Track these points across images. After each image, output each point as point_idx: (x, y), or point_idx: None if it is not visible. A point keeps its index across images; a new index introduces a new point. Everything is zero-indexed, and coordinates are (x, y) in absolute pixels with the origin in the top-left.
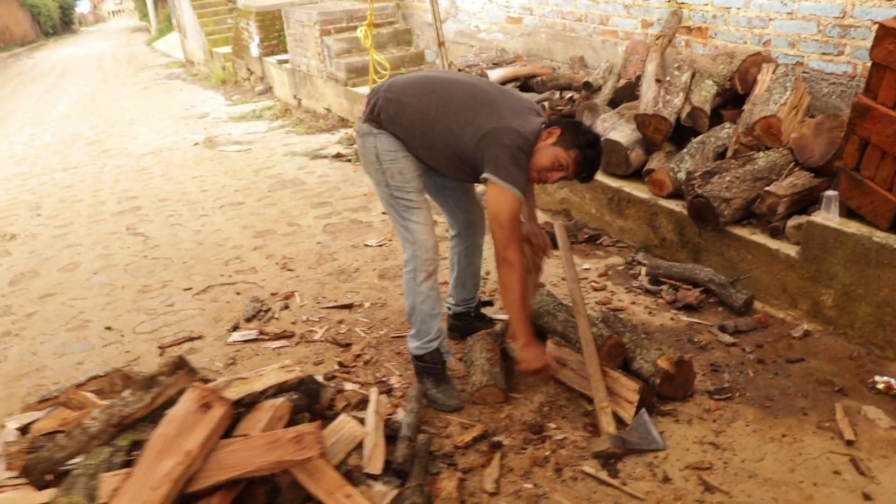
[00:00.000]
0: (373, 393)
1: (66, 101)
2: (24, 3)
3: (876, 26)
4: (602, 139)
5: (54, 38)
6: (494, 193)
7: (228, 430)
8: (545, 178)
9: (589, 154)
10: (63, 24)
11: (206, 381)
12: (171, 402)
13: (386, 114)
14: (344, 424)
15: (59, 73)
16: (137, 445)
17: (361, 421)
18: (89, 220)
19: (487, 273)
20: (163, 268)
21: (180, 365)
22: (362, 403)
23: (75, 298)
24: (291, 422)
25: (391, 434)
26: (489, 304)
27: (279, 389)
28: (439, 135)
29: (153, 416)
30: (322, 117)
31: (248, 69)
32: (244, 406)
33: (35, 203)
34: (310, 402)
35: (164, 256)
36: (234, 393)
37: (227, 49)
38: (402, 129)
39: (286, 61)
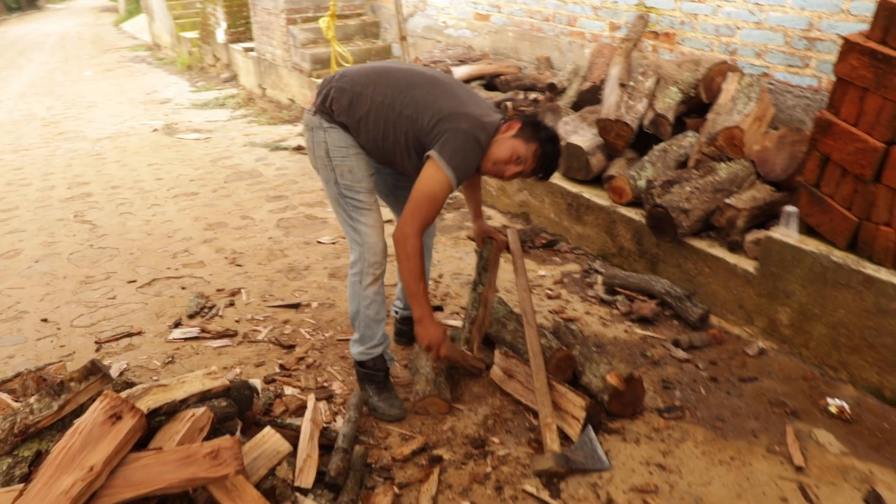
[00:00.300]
0: (310, 400)
1: (24, 79)
2: None
3: (842, 41)
4: (562, 140)
5: (18, 14)
6: (430, 171)
7: (144, 441)
8: (501, 171)
9: (548, 150)
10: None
11: (129, 384)
12: (81, 410)
13: (339, 105)
14: (268, 438)
15: (18, 51)
16: (43, 456)
17: (297, 429)
18: (36, 205)
19: (440, 276)
20: (108, 258)
21: (93, 370)
22: (301, 409)
23: (12, 287)
24: (218, 431)
25: (328, 444)
26: (439, 308)
27: (203, 397)
28: (396, 123)
29: (62, 425)
30: (285, 108)
31: (215, 55)
32: (163, 415)
33: None
34: (241, 410)
35: (110, 246)
36: (151, 401)
37: (195, 34)
38: (356, 121)
39: (252, 49)
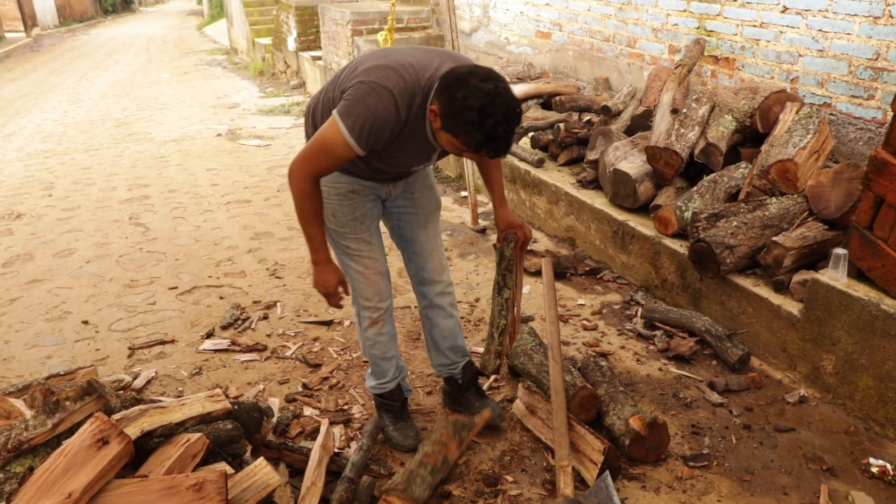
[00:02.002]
0: (324, 424)
1: (108, 80)
2: None
3: None
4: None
5: (112, 17)
6: (329, 121)
7: (136, 464)
8: (460, 154)
9: (478, 138)
10: (123, 2)
11: (138, 401)
12: (75, 430)
13: (306, 134)
14: (258, 469)
15: (107, 52)
16: (27, 476)
17: (308, 453)
18: (96, 205)
19: (477, 300)
20: (155, 262)
21: (88, 390)
22: (317, 432)
23: (61, 287)
24: (220, 455)
25: (338, 470)
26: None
27: (203, 420)
28: (334, 102)
29: (57, 443)
30: None
31: (285, 62)
32: (159, 438)
33: (49, 183)
34: (249, 432)
35: (158, 251)
36: (146, 424)
37: (269, 40)
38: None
39: (320, 58)
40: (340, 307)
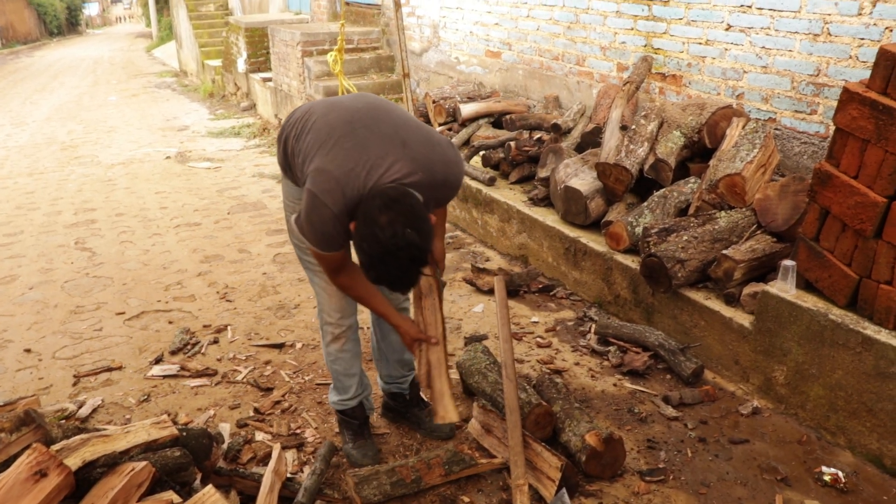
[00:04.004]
0: (275, 449)
1: (53, 103)
2: (31, 2)
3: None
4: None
5: (58, 39)
6: None
7: (78, 496)
8: None
9: (370, 276)
10: (69, 24)
11: (80, 430)
12: (11, 462)
13: (279, 154)
14: (207, 497)
15: (52, 74)
16: None
17: (259, 479)
18: (40, 229)
19: None
20: (101, 288)
21: (26, 421)
22: (269, 457)
23: (2, 315)
24: (166, 483)
25: (291, 496)
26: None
27: (149, 448)
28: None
29: None
30: None
31: (235, 84)
32: (102, 468)
33: None
34: (199, 459)
35: (105, 275)
36: (88, 453)
37: (219, 62)
38: (292, 172)
39: (270, 79)
40: (440, 341)
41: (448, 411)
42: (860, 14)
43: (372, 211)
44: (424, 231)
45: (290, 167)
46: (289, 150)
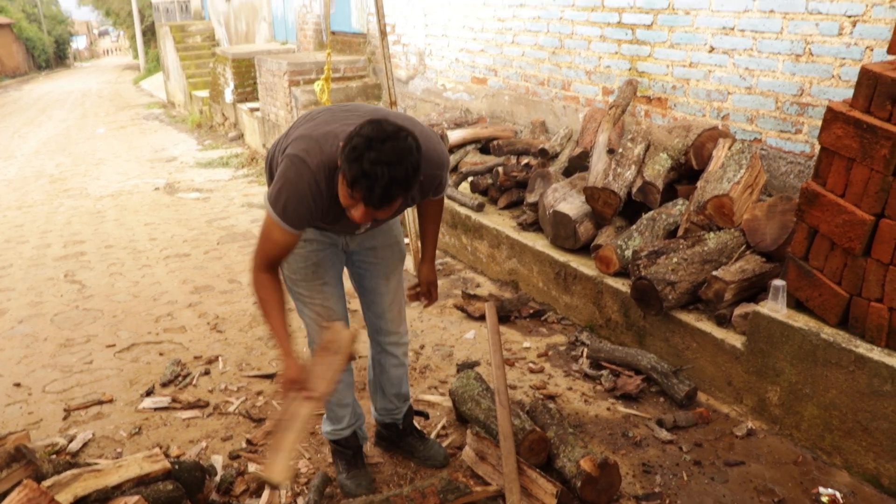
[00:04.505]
0: None
1: (41, 136)
2: (19, 36)
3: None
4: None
5: (46, 72)
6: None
7: None
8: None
9: (355, 170)
10: (57, 58)
11: (71, 465)
12: (2, 500)
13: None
14: None
15: (40, 108)
16: None
17: None
18: (30, 263)
19: (422, 347)
20: (91, 320)
21: (16, 457)
22: (262, 489)
23: None
24: None
25: None
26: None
27: (141, 482)
28: None
29: None
30: None
31: (223, 114)
32: (94, 503)
33: None
34: (191, 492)
35: (95, 308)
36: (80, 489)
37: (206, 93)
38: None
39: (257, 109)
40: (319, 400)
41: (277, 468)
42: (840, 34)
43: (364, 123)
44: (417, 139)
45: None
46: (275, 171)
